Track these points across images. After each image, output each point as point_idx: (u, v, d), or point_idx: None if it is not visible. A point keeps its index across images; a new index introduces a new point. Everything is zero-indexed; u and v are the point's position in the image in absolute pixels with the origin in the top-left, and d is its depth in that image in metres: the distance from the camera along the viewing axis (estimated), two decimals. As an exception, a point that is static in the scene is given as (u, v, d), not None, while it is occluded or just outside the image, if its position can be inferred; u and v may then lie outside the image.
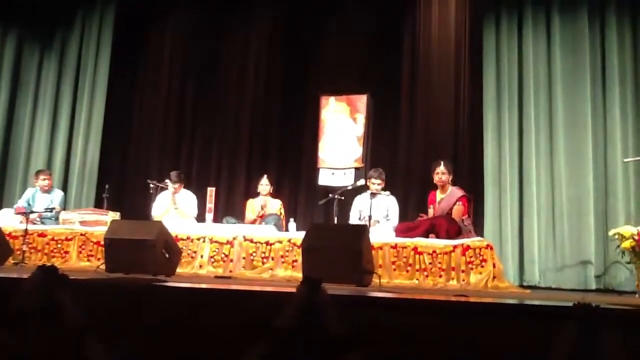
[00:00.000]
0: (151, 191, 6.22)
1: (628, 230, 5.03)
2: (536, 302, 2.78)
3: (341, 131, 7.23)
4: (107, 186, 6.51)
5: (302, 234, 4.79)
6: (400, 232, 5.49)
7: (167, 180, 6.32)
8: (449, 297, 3.06)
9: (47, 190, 6.62)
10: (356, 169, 7.01)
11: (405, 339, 2.23)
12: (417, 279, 4.99)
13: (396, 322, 2.22)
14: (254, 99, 7.56)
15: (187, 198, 6.49)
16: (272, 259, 5.21)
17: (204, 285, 3.14)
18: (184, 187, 6.59)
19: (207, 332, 2.53)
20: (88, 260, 5.47)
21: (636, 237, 4.93)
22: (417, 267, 5.02)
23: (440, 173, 5.63)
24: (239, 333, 2.41)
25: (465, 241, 5.04)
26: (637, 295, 4.91)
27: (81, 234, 5.57)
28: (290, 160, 7.41)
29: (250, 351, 2.15)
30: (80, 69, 7.95)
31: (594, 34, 6.41)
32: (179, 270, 4.99)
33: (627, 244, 4.97)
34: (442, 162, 5.67)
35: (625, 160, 5.92)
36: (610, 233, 5.25)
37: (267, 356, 2.12)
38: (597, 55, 6.37)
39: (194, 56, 7.81)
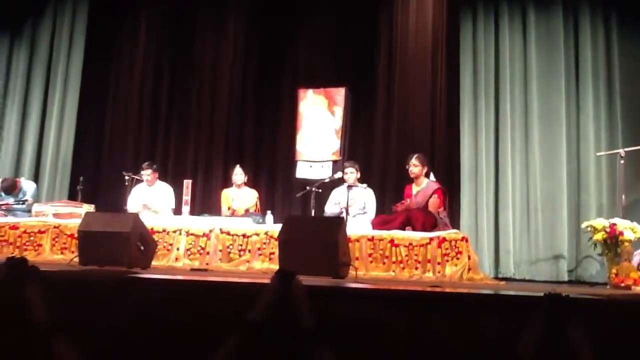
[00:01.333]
0: (126, 183, 6.15)
1: (600, 222, 5.11)
2: (508, 293, 2.81)
3: (319, 124, 7.21)
4: (81, 178, 6.40)
5: (279, 226, 4.78)
6: (377, 224, 5.52)
7: (144, 172, 6.26)
8: (424, 287, 3.08)
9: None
10: (334, 161, 6.99)
11: (379, 329, 2.24)
12: (393, 271, 5.01)
13: (371, 313, 2.23)
14: (231, 91, 7.50)
15: (164, 191, 6.43)
16: (249, 251, 5.19)
17: (177, 277, 3.11)
18: (161, 180, 6.52)
19: (181, 324, 2.52)
20: (62, 253, 5.39)
21: (608, 230, 5.02)
22: (394, 259, 5.05)
23: (412, 165, 5.68)
24: (212, 325, 2.39)
25: (441, 234, 5.09)
26: (608, 287, 5.01)
27: (55, 227, 5.48)
28: (267, 153, 7.39)
29: (224, 344, 2.14)
30: (53, 58, 7.78)
31: (569, 32, 6.52)
32: (155, 263, 4.94)
33: (599, 236, 5.05)
34: (414, 155, 5.72)
35: (598, 154, 6.03)
36: (583, 225, 5.34)
37: (241, 349, 2.11)
38: (571, 52, 6.49)
39: (169, 47, 7.71)
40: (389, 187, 6.72)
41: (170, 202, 6.35)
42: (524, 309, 2.13)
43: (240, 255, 5.21)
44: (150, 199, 6.34)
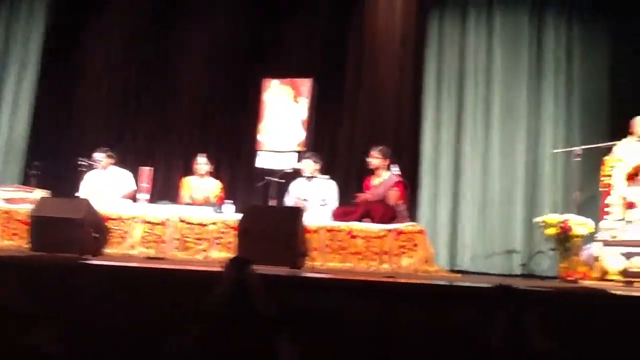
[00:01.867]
0: (82, 169, 5.99)
1: (554, 218, 5.24)
2: (459, 284, 2.87)
3: (284, 115, 7.18)
4: (35, 163, 6.21)
5: (238, 216, 4.75)
6: (337, 216, 5.54)
7: (97, 157, 6.10)
8: (377, 278, 3.11)
9: None
10: (299, 152, 6.97)
11: (334, 318, 2.25)
12: (351, 262, 5.04)
13: (325, 303, 2.24)
14: (195, 78, 7.39)
15: (119, 176, 6.28)
16: (207, 240, 5.14)
17: (128, 264, 3.06)
18: (118, 166, 6.37)
19: (133, 312, 2.48)
20: (11, 239, 5.23)
21: (561, 225, 5.15)
22: (352, 250, 5.06)
23: (372, 157, 5.70)
24: (166, 313, 2.36)
25: (399, 226, 5.13)
26: (557, 280, 5.14)
27: (5, 212, 5.30)
28: (230, 141, 7.31)
29: (176, 334, 2.11)
30: (10, 34, 7.50)
31: (533, 32, 6.66)
32: (109, 250, 4.85)
33: (551, 231, 5.18)
34: (376, 148, 5.75)
35: (554, 151, 6.19)
36: (536, 220, 5.46)
37: (195, 339, 2.09)
38: (534, 52, 6.64)
39: (134, 34, 7.53)
40: (353, 179, 6.74)
41: (128, 187, 6.19)
42: (474, 299, 2.17)
43: (197, 245, 5.15)
44: (104, 185, 6.18)
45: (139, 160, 7.00)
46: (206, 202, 5.90)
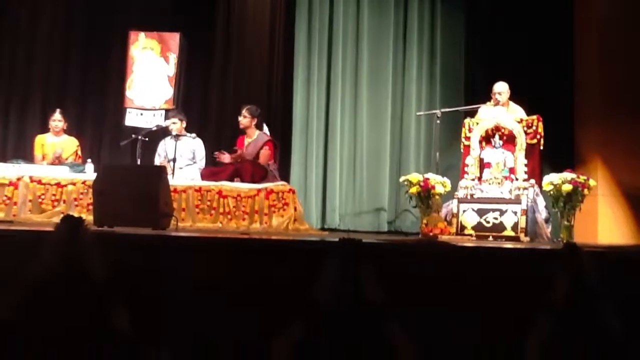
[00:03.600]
0: None
1: (415, 177, 5.49)
2: (307, 239, 2.92)
3: (151, 70, 6.83)
4: None
5: (98, 175, 4.51)
6: (206, 175, 5.45)
7: None
8: (231, 235, 3.08)
9: None
10: (166, 110, 6.71)
11: (178, 278, 2.20)
12: (220, 222, 5.01)
13: (170, 261, 2.17)
14: (51, 29, 6.79)
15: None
16: (64, 202, 4.84)
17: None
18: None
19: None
20: None
21: (422, 184, 5.41)
22: (221, 210, 5.04)
23: (242, 116, 5.68)
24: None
25: (269, 185, 5.16)
26: (419, 236, 5.43)
27: None
28: (93, 98, 6.84)
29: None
30: None
31: (399, 1, 6.84)
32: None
33: (414, 189, 5.43)
34: (245, 107, 5.73)
35: (418, 114, 6.47)
36: (400, 179, 5.71)
37: (21, 306, 1.94)
38: (400, 20, 6.86)
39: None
40: (223, 137, 6.63)
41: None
42: (321, 253, 2.20)
43: (54, 207, 4.83)
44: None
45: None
46: (59, 161, 5.51)
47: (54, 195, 4.85)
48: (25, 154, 6.08)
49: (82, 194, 4.88)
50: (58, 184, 4.87)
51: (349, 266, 2.04)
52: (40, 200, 4.83)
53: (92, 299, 1.92)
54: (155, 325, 2.01)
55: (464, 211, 5.21)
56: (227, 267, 2.27)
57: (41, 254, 1.90)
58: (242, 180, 5.22)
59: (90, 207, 4.79)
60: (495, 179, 5.22)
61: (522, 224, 4.94)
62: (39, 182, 4.85)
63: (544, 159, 5.45)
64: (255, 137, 5.67)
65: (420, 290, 2.16)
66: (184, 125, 5.77)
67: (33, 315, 1.83)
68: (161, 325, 2.04)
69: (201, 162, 5.79)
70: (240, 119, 5.67)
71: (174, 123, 5.65)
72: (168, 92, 6.73)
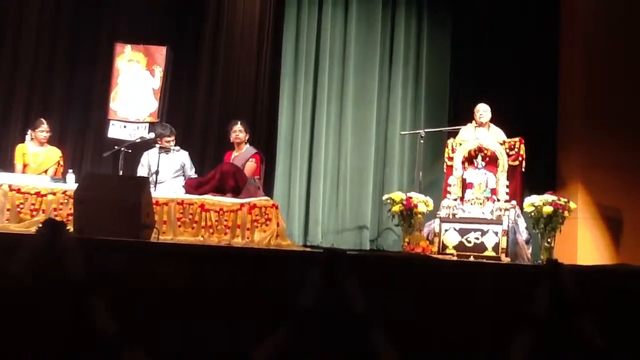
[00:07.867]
0: None
1: (398, 195, 5.53)
2: (291, 249, 2.91)
3: (137, 83, 6.81)
4: None
5: (79, 186, 4.46)
6: (190, 187, 5.42)
7: None
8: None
9: None
10: (151, 123, 6.68)
11: (156, 283, 2.17)
12: (202, 236, 4.96)
13: (148, 267, 2.15)
14: (37, 38, 6.75)
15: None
16: (43, 211, 4.76)
17: None
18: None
19: None
20: None
21: (405, 202, 5.44)
22: (203, 224, 5.00)
23: (238, 131, 5.72)
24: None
25: (252, 200, 5.14)
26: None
27: None
28: (77, 109, 6.77)
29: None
30: None
31: (386, 21, 6.96)
32: None
33: (396, 207, 5.46)
34: (239, 121, 5.76)
35: (402, 133, 6.54)
36: (383, 198, 5.74)
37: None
38: (387, 40, 6.97)
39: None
40: (208, 151, 6.65)
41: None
42: (305, 263, 2.20)
43: (32, 216, 4.76)
44: None
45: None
46: (42, 171, 5.46)
47: (33, 204, 4.78)
48: (5, 163, 6.01)
49: (62, 204, 4.81)
50: (38, 193, 4.80)
51: (333, 276, 2.04)
52: (18, 209, 4.76)
53: (70, 301, 1.89)
54: (135, 329, 1.98)
55: (445, 230, 5.24)
56: (208, 275, 2.25)
57: (21, 256, 1.86)
58: (225, 187, 5.21)
59: (71, 217, 4.73)
60: (477, 200, 5.27)
61: (503, 244, 4.99)
62: (18, 190, 4.78)
63: (525, 181, 5.53)
64: (243, 151, 5.72)
65: (403, 302, 2.16)
66: (172, 138, 5.75)
67: (8, 317, 1.79)
68: (141, 330, 2.01)
69: (191, 171, 5.83)
70: (236, 134, 5.70)
71: (162, 136, 5.62)
72: (153, 105, 6.71)
